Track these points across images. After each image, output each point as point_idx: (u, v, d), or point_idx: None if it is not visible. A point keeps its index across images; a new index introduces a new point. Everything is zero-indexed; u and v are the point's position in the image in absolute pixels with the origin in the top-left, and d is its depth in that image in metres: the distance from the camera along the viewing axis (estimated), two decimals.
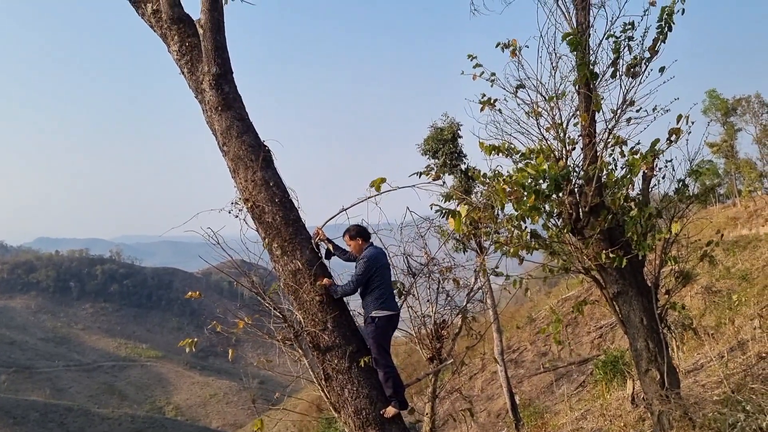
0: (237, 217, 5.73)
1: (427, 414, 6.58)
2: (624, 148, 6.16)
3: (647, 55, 5.82)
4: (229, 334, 5.62)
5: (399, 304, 6.24)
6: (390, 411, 5.30)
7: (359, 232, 5.82)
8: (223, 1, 5.90)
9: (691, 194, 6.27)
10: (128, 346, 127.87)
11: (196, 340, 5.72)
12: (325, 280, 5.42)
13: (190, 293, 6.12)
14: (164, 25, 5.86)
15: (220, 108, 5.66)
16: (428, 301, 6.62)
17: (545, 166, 5.68)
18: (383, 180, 5.57)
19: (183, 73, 5.89)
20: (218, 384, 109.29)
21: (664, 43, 5.79)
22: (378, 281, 5.63)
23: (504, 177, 5.86)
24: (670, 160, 6.09)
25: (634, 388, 9.43)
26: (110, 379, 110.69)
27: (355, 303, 5.91)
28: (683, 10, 5.73)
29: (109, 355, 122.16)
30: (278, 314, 5.53)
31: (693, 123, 5.81)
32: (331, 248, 5.84)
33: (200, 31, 5.71)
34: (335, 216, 5.85)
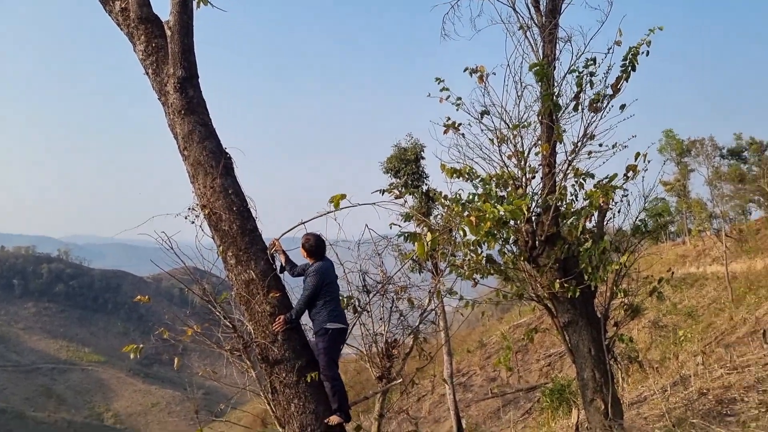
0: (193, 223, 5.62)
1: None
2: (586, 180, 6.27)
3: (609, 91, 5.97)
4: (177, 341, 5.50)
5: (353, 320, 6.21)
6: (334, 419, 5.26)
7: (316, 250, 5.74)
8: (194, 5, 5.85)
9: (645, 230, 6.42)
10: (70, 349, 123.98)
11: (141, 346, 5.57)
12: (281, 318, 5.34)
13: (139, 297, 6.00)
14: (131, 24, 5.77)
15: (183, 112, 5.58)
16: (381, 319, 6.60)
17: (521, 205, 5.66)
18: (343, 196, 5.54)
19: (147, 73, 5.79)
20: (161, 393, 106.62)
21: (627, 82, 5.96)
22: (329, 294, 5.59)
23: (473, 209, 5.85)
24: (626, 195, 6.23)
25: (578, 418, 9.53)
26: (48, 382, 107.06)
27: (306, 317, 5.87)
28: (648, 52, 5.91)
29: (49, 357, 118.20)
30: (228, 324, 5.44)
31: (650, 162, 5.98)
32: (283, 262, 5.78)
33: (168, 32, 5.63)
34: (293, 228, 5.81)
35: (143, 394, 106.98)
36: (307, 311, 5.58)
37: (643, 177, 6.07)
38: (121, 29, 5.91)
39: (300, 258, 5.90)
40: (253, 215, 5.67)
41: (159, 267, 5.70)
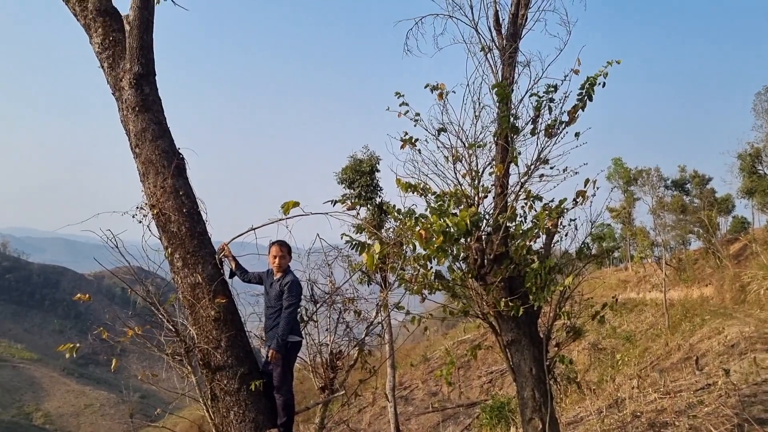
0: (141, 222, 5.51)
1: None
2: (536, 203, 6.39)
3: (565, 117, 6.11)
4: (116, 342, 5.35)
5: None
6: None
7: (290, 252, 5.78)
8: (155, 1, 5.76)
9: (590, 254, 6.56)
10: (1, 345, 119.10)
11: (78, 345, 5.41)
12: (272, 353, 5.35)
13: (79, 295, 5.82)
14: (89, 15, 5.65)
15: (137, 109, 5.48)
16: (327, 330, 6.56)
17: (465, 218, 5.74)
18: (296, 204, 5.52)
19: (103, 67, 5.68)
20: (95, 394, 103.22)
21: (583, 110, 6.10)
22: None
23: (422, 222, 5.90)
24: (574, 220, 6.37)
25: None
26: None
27: (251, 324, 5.80)
28: (604, 83, 6.07)
29: None
30: (171, 327, 5.33)
31: (599, 188, 6.13)
32: (233, 267, 5.72)
33: (127, 27, 5.54)
34: (243, 234, 5.75)
35: (76, 395, 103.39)
36: (265, 323, 5.59)
37: (591, 202, 6.22)
38: (77, 20, 5.77)
39: (248, 265, 5.84)
40: (203, 218, 5.60)
41: (102, 265, 5.56)
